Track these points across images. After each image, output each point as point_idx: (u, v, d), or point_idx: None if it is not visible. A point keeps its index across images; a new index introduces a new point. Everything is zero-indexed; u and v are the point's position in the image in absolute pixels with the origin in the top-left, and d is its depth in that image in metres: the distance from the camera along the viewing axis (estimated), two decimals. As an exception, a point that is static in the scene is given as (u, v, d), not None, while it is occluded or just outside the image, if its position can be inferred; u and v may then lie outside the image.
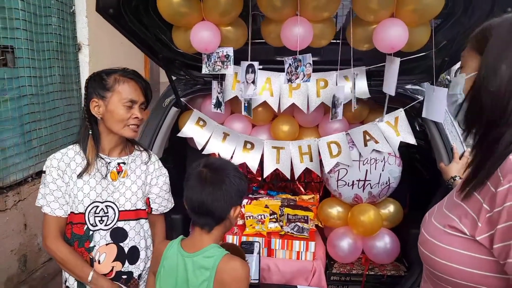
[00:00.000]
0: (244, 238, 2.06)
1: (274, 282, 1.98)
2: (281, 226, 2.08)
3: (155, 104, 2.22)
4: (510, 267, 0.76)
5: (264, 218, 2.16)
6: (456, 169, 1.72)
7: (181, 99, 2.15)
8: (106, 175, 1.49)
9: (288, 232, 2.05)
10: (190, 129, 2.15)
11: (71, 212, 1.46)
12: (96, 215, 1.48)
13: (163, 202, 1.64)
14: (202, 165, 1.28)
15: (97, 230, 1.48)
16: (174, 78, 2.16)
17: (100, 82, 1.43)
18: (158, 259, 1.33)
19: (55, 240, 1.45)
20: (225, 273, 1.19)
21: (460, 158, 1.79)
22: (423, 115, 1.82)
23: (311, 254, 2.01)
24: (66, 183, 1.44)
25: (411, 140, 1.97)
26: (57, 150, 1.53)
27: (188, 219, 2.33)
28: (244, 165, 2.19)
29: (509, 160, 0.80)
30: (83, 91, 4.06)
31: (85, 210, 1.46)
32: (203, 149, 2.18)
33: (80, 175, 1.45)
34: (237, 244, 2.02)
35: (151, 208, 1.62)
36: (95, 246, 1.48)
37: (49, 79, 3.20)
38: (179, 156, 2.58)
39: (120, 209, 1.51)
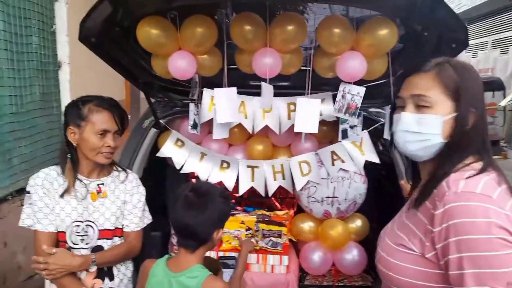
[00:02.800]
0: (221, 254, 2.15)
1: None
2: (257, 241, 2.19)
3: (134, 125, 2.32)
4: (451, 278, 0.90)
5: (240, 234, 2.26)
6: None
7: (160, 120, 2.25)
8: (86, 196, 1.57)
9: (263, 246, 2.16)
10: (168, 150, 2.25)
11: None
12: (77, 234, 1.55)
13: (134, 219, 1.65)
14: (189, 189, 1.36)
15: (78, 249, 1.55)
16: (153, 100, 2.26)
17: (76, 111, 1.52)
18: (144, 276, 1.41)
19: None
20: None
21: None
22: (384, 136, 1.98)
23: (284, 267, 2.13)
24: (51, 201, 1.51)
25: (375, 159, 2.13)
26: (37, 168, 1.62)
27: (167, 236, 2.42)
28: (221, 183, 2.29)
29: (443, 186, 0.93)
30: (63, 109, 4.09)
31: (67, 229, 1.53)
32: (180, 169, 2.27)
33: (62, 195, 1.52)
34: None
35: (122, 224, 1.65)
36: None
37: (29, 97, 3.25)
38: (159, 175, 2.66)
39: (99, 228, 1.58)
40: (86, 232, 1.56)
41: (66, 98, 3.85)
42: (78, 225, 1.55)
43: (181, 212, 1.32)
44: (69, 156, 1.55)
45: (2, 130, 2.97)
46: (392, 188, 2.33)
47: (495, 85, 8.95)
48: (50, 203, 1.51)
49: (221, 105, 1.92)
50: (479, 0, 10.28)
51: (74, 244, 1.54)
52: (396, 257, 1.02)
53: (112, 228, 1.61)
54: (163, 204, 2.71)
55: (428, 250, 0.95)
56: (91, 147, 1.50)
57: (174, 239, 2.30)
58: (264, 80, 1.87)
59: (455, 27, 1.51)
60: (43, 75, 3.46)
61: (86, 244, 1.56)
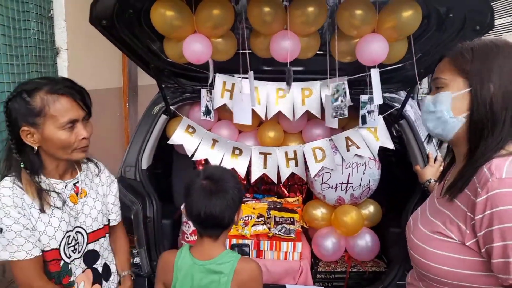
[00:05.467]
0: (234, 241, 2.13)
1: (263, 282, 2.06)
2: (269, 228, 2.17)
3: (144, 111, 2.26)
4: (494, 266, 0.88)
5: (250, 219, 2.24)
6: (431, 172, 1.86)
7: (171, 106, 2.20)
8: (66, 201, 1.31)
9: (275, 233, 2.14)
10: (179, 136, 2.21)
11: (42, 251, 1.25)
12: (69, 245, 1.31)
13: (118, 210, 1.54)
14: (202, 177, 1.29)
15: (73, 261, 1.33)
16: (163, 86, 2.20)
17: (24, 105, 1.16)
18: (167, 269, 1.35)
19: (43, 282, 1.23)
20: (243, 274, 1.28)
21: (434, 162, 1.94)
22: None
23: (298, 254, 2.11)
24: (29, 220, 1.20)
25: (390, 145, 2.11)
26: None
27: (177, 224, 2.38)
28: (233, 170, 2.26)
29: (484, 171, 0.90)
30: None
31: (59, 244, 1.27)
32: (192, 155, 2.23)
33: (42, 210, 1.22)
34: (227, 247, 2.09)
35: (109, 220, 1.50)
36: (74, 279, 1.34)
37: (28, 84, 3.16)
38: (166, 162, 2.62)
39: (88, 231, 1.38)
40: (77, 240, 1.34)
41: (64, 86, 3.75)
42: (68, 236, 1.30)
43: (202, 203, 1.25)
44: (22, 165, 1.21)
45: (1, 118, 2.88)
46: (404, 174, 2.33)
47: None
48: (29, 223, 1.19)
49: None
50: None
51: (69, 258, 1.31)
52: (433, 245, 0.99)
53: (100, 227, 1.43)
54: (171, 192, 2.69)
55: (468, 238, 0.92)
56: (61, 145, 1.21)
57: (185, 227, 2.26)
58: (282, 64, 1.82)
59: (481, 8, 1.48)
60: (41, 62, 3.35)
61: (78, 253, 1.35)
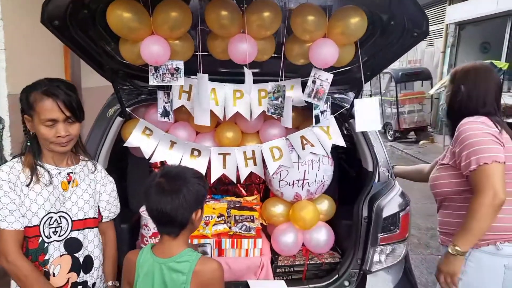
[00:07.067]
0: (195, 241, 2.14)
1: (225, 280, 2.10)
2: (229, 227, 2.21)
3: (98, 114, 2.21)
4: (461, 167, 1.66)
5: (211, 219, 2.27)
6: None
7: (126, 108, 2.16)
8: (57, 186, 1.49)
9: (236, 232, 2.19)
10: (136, 139, 2.18)
11: (25, 227, 1.43)
12: (50, 226, 1.47)
13: (112, 208, 1.70)
14: (160, 175, 1.32)
15: (51, 242, 1.48)
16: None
17: (26, 98, 1.44)
18: (130, 269, 1.36)
19: (17, 256, 1.40)
20: (204, 274, 1.29)
21: None
22: (357, 129, 2.05)
23: (258, 250, 2.18)
24: (18, 196, 1.41)
25: (342, 143, 2.25)
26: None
27: (135, 228, 2.35)
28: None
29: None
30: (-2, 99, 3.74)
31: (40, 221, 1.44)
32: (149, 158, 2.21)
33: (28, 185, 1.42)
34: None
35: (102, 216, 1.66)
36: (49, 258, 1.47)
37: (-38, 87, 2.93)
38: (121, 165, 2.56)
39: (73, 219, 1.53)
40: (60, 223, 1.49)
41: (2, 88, 3.53)
42: (51, 217, 1.47)
43: (155, 199, 1.28)
44: (28, 143, 1.48)
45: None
46: (353, 169, 2.49)
47: (423, 75, 9.79)
48: (17, 199, 1.41)
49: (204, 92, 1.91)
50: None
51: (47, 238, 1.46)
52: (436, 171, 1.83)
53: (86, 217, 1.57)
54: (126, 196, 2.63)
55: (449, 159, 1.74)
56: (42, 137, 1.44)
57: (144, 231, 2.23)
58: (238, 66, 1.88)
59: (418, 16, 1.65)
60: (-24, 63, 3.13)
61: (59, 236, 1.49)
